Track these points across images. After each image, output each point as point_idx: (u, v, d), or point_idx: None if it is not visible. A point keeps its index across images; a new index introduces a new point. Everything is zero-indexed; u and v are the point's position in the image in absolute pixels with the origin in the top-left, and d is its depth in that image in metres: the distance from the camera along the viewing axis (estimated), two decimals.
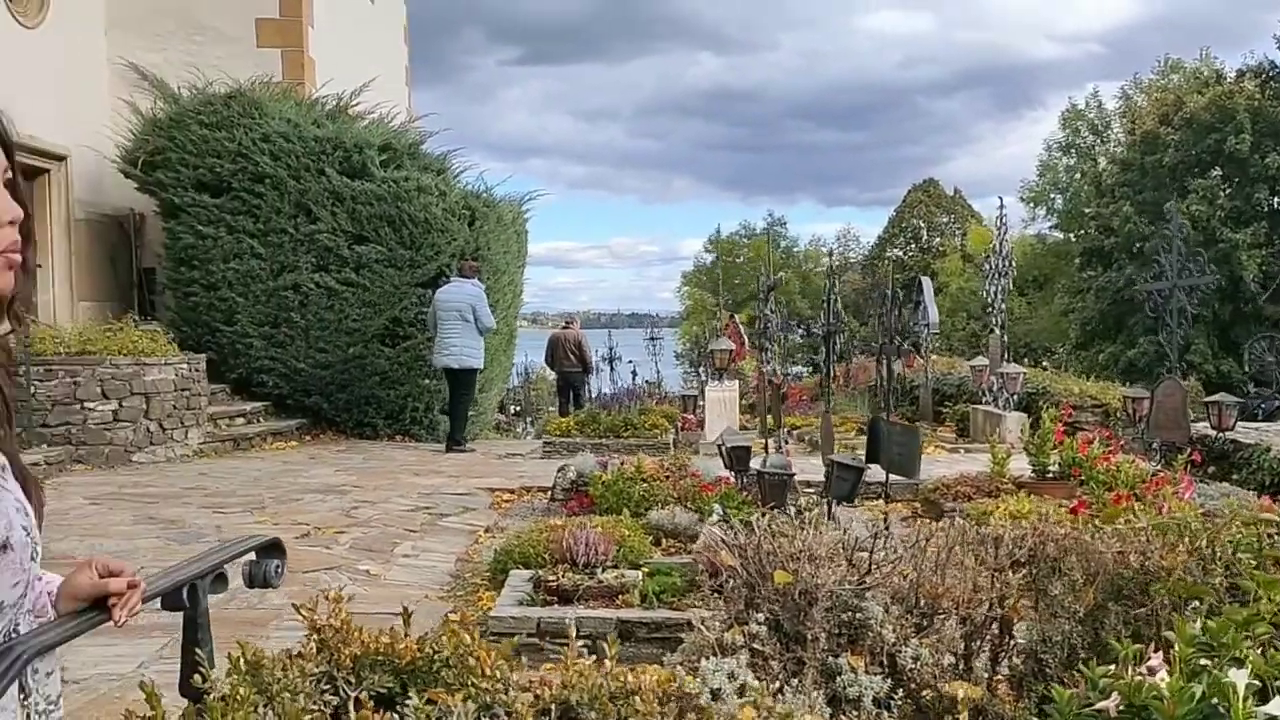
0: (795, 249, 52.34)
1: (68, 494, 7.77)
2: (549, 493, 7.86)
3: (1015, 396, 9.63)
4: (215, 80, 11.68)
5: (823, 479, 6.13)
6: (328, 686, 1.76)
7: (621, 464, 7.62)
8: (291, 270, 11.27)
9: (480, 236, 11.79)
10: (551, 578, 4.62)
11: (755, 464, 6.63)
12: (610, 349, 20.73)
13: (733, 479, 6.68)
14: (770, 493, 5.65)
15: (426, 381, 11.53)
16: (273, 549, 2.05)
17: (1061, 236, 38.67)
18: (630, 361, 22.14)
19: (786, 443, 7.76)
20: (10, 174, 1.42)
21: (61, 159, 11.85)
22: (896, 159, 75.94)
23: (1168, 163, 29.63)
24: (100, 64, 12.64)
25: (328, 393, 11.41)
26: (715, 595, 3.79)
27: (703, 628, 3.34)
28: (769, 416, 7.39)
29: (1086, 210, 33.94)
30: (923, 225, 48.77)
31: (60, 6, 11.82)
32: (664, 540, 5.83)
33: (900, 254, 47.06)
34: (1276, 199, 30.40)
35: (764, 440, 7.20)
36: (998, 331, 10.09)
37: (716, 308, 48.64)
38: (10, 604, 1.40)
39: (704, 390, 15.90)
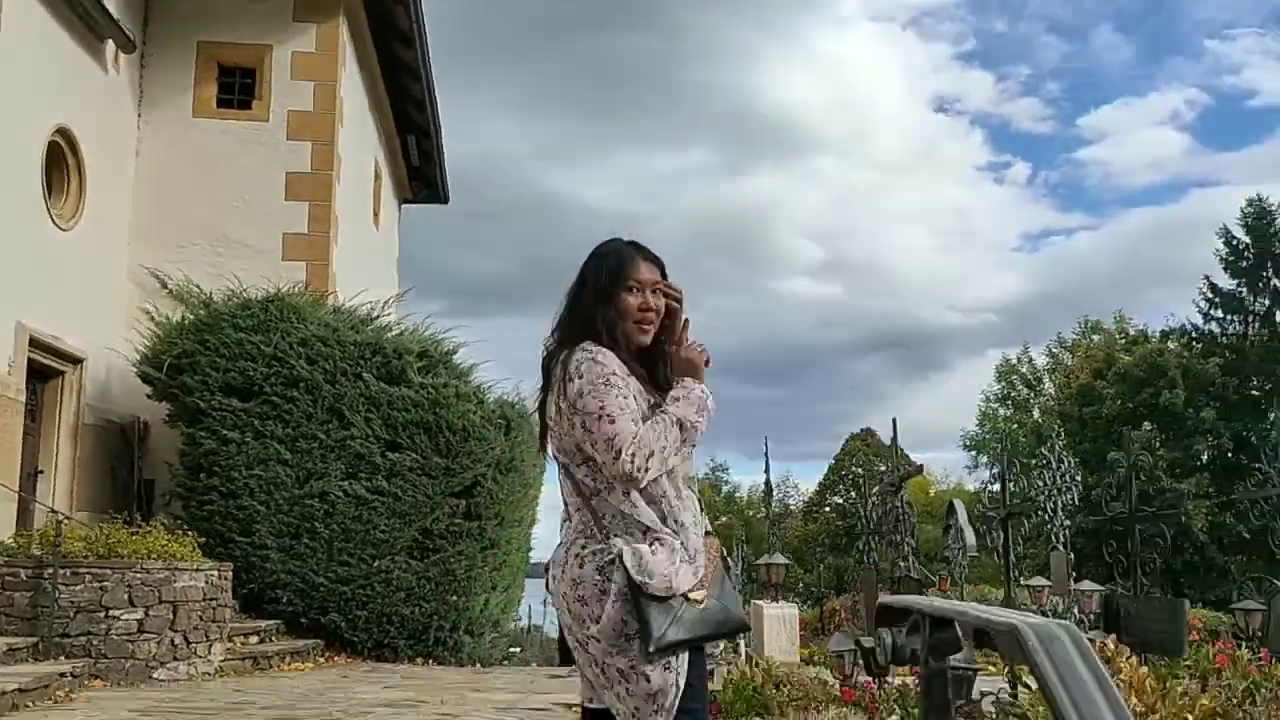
0: (737, 494, 52.51)
1: (114, 711, 6.87)
2: None
3: (1091, 616, 9.36)
4: (249, 286, 11.52)
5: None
6: None
7: (729, 669, 7.16)
8: (320, 478, 10.74)
9: (515, 446, 11.47)
10: None
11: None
12: None
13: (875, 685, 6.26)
14: (956, 689, 5.25)
15: (454, 598, 10.84)
16: None
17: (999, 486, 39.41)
18: None
19: None
20: None
21: (79, 362, 11.39)
22: (814, 415, 78.41)
23: (1106, 414, 30.86)
24: (123, 271, 12.46)
25: (347, 610, 10.61)
26: None
27: None
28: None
29: (1028, 460, 34.85)
30: (861, 473, 49.54)
31: (92, 212, 11.72)
32: None
33: (841, 500, 47.42)
34: (1208, 452, 31.61)
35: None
36: (1061, 549, 9.94)
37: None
38: None
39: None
